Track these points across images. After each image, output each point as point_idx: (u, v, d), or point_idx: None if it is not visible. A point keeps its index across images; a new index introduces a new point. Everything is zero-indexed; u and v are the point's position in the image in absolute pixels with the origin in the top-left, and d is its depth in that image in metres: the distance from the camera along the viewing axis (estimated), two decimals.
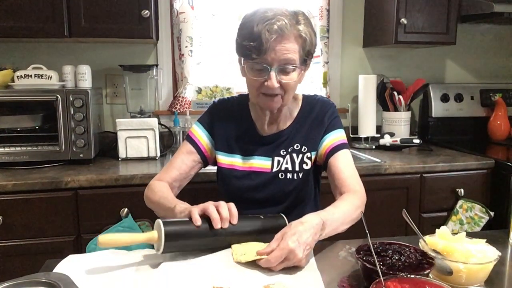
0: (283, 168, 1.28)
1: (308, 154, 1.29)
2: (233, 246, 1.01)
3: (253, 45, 1.12)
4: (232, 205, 1.03)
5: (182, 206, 1.08)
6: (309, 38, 1.17)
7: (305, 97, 1.36)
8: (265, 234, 1.03)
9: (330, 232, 1.05)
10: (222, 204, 1.02)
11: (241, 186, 1.29)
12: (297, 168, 1.28)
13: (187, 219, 1.00)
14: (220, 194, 1.34)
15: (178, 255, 1.00)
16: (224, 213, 1.00)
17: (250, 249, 0.98)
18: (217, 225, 0.98)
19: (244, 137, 1.32)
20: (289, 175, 1.28)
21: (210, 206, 1.00)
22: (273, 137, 1.31)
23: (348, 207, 1.13)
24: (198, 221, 0.98)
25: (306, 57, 1.20)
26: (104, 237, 0.95)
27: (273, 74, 1.14)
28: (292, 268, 0.94)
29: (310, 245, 0.96)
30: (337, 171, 1.24)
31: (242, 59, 1.21)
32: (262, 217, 1.09)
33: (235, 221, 1.01)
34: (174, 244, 0.97)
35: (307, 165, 1.29)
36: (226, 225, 0.99)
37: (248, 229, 1.04)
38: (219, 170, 1.34)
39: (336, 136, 1.30)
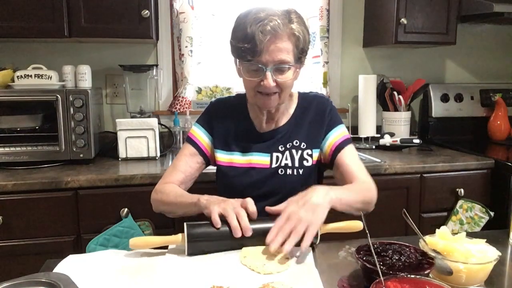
0: (282, 164, 1.29)
1: (309, 151, 1.30)
2: (243, 248, 1.01)
3: (247, 46, 1.14)
4: (251, 206, 1.03)
5: (204, 201, 1.09)
6: (302, 36, 1.18)
7: (301, 94, 1.39)
8: None
9: (342, 202, 1.07)
10: (242, 212, 1.02)
11: (240, 183, 1.30)
12: (297, 164, 1.29)
13: (208, 222, 1.02)
14: (220, 194, 1.33)
15: (178, 255, 1.00)
16: (243, 222, 1.00)
17: (254, 252, 0.99)
18: (237, 234, 0.99)
19: (243, 135, 1.33)
20: (289, 171, 1.29)
21: (230, 213, 1.01)
22: (271, 133, 1.33)
23: (359, 186, 1.20)
24: (218, 223, 1.00)
25: (301, 54, 1.22)
26: (135, 240, 1.03)
27: (268, 74, 1.16)
28: (290, 267, 0.94)
29: (312, 207, 1.01)
30: (346, 168, 1.27)
31: (237, 60, 1.23)
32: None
33: (249, 231, 1.00)
34: (197, 246, 1.00)
35: (307, 162, 1.30)
36: (247, 234, 0.99)
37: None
38: (218, 169, 1.35)
39: (339, 133, 1.32)
